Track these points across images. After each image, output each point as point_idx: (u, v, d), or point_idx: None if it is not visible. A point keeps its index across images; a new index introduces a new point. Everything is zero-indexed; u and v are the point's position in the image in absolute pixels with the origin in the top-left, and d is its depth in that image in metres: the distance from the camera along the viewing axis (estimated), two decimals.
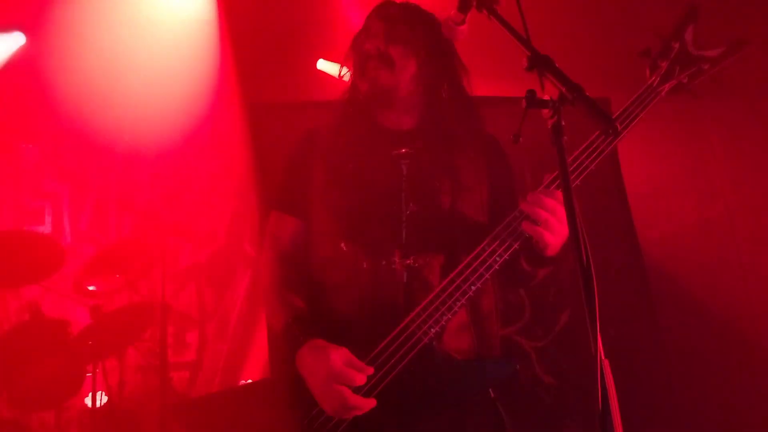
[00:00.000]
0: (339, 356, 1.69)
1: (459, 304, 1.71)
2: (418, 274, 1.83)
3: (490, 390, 1.87)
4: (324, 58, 4.77)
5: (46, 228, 4.74)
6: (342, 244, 1.89)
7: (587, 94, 1.27)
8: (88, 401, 3.91)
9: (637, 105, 1.77)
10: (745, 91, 3.68)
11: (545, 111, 1.33)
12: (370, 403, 1.69)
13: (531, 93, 1.34)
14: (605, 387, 1.13)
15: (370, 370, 1.71)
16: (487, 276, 1.72)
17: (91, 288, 4.09)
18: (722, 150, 3.93)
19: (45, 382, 3.65)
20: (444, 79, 2.01)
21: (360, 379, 1.68)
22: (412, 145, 1.96)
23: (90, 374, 3.78)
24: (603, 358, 1.16)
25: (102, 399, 3.87)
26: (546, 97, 1.33)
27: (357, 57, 2.05)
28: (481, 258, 1.72)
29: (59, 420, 3.80)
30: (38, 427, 3.83)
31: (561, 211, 1.61)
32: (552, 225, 1.64)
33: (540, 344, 3.91)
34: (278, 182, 2.11)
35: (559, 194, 1.64)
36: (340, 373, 1.67)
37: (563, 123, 1.31)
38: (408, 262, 1.83)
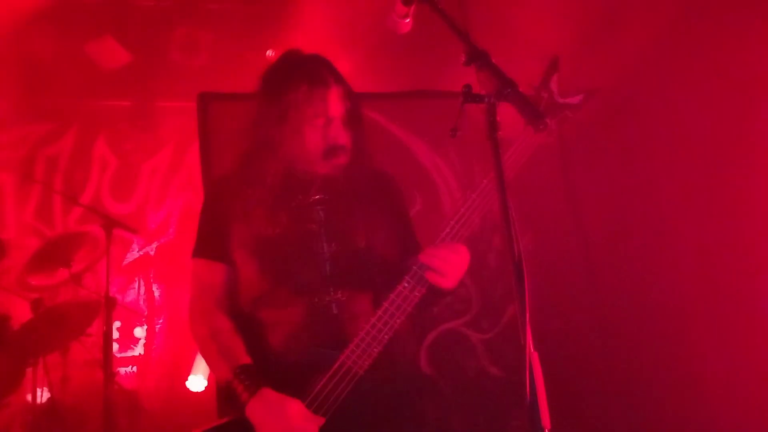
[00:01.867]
0: (296, 412, 1.79)
1: (387, 337, 1.84)
2: (347, 307, 1.94)
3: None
4: (273, 50, 4.70)
5: None
6: (271, 285, 1.97)
7: (520, 90, 1.28)
8: (30, 397, 3.82)
9: (517, 153, 1.90)
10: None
11: (482, 106, 1.35)
12: None
13: (467, 87, 1.35)
14: (533, 379, 1.15)
15: (322, 421, 1.81)
16: (409, 310, 1.86)
17: (33, 282, 3.98)
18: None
19: None
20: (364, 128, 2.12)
21: (313, 430, 1.78)
22: (326, 190, 2.05)
23: (30, 369, 3.68)
24: (532, 350, 1.18)
25: (44, 395, 3.77)
26: (482, 92, 1.34)
27: (303, 119, 2.02)
28: (403, 294, 1.86)
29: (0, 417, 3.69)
30: None
31: (452, 259, 1.86)
32: (446, 271, 1.86)
33: (487, 336, 3.97)
34: (200, 230, 2.12)
35: (450, 244, 1.87)
36: (298, 430, 1.77)
37: (498, 119, 1.32)
38: (337, 296, 1.94)
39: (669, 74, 3.89)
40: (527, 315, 1.22)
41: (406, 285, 1.86)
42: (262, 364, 1.90)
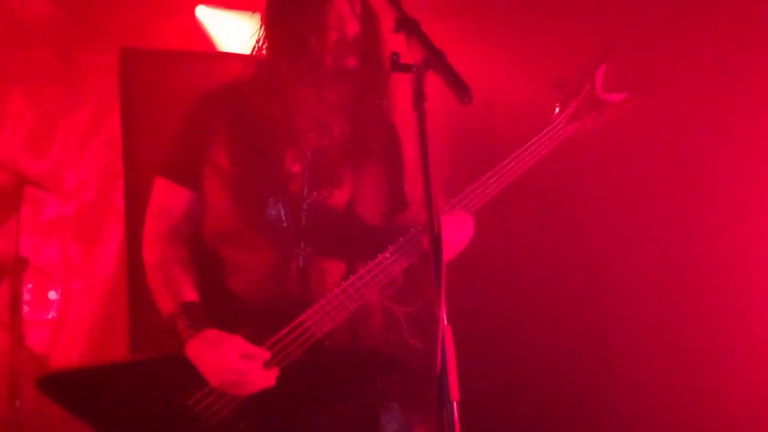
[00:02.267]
0: (234, 347, 1.72)
1: (355, 305, 1.78)
2: (315, 264, 1.85)
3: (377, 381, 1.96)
4: (204, 4, 4.51)
5: None
6: (240, 224, 1.85)
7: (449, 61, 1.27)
8: None
9: (543, 141, 1.83)
10: None
11: (410, 75, 1.32)
12: (269, 379, 1.74)
13: (395, 55, 1.33)
14: (444, 351, 1.16)
15: (267, 355, 1.75)
16: (385, 282, 1.80)
17: None
18: None
19: None
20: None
21: (256, 367, 1.73)
22: (322, 132, 1.92)
23: None
24: (445, 324, 1.18)
25: None
26: (410, 62, 1.32)
27: (317, 30, 1.84)
28: (383, 265, 1.78)
29: None
30: None
31: (459, 232, 1.77)
32: (450, 243, 1.75)
33: (410, 309, 4.02)
34: (170, 148, 1.96)
35: (460, 214, 1.78)
36: (237, 366, 1.71)
37: (425, 90, 1.30)
38: (307, 250, 1.85)
39: None
40: (442, 289, 1.22)
41: (389, 254, 1.77)
42: (215, 304, 1.82)
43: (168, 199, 1.93)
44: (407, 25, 1.35)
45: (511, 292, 4.06)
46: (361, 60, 1.85)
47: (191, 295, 1.82)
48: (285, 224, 1.84)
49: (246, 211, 1.85)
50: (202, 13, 4.49)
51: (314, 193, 1.87)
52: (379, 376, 1.93)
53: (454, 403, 1.16)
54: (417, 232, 1.79)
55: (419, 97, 1.30)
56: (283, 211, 1.85)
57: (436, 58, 1.28)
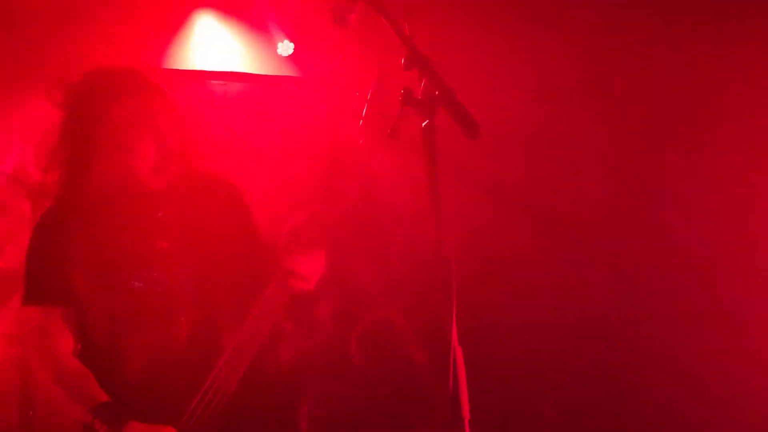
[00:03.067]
0: None
1: (254, 349, 1.86)
2: (215, 322, 1.94)
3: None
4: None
5: None
6: (123, 314, 1.92)
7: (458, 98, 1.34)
8: None
9: None
10: None
11: (420, 110, 1.40)
12: None
13: (407, 91, 1.41)
14: (456, 372, 1.23)
15: None
16: (273, 319, 1.89)
17: None
18: None
19: None
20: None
21: None
22: (168, 207, 2.03)
23: None
24: (456, 345, 1.26)
25: None
26: (420, 97, 1.40)
27: (137, 120, 1.98)
28: (266, 306, 1.88)
29: None
30: None
31: (312, 264, 1.93)
32: (309, 276, 1.93)
33: (417, 324, 4.07)
34: (28, 275, 1.98)
35: (308, 248, 1.92)
36: None
37: (435, 123, 1.38)
38: (192, 317, 1.93)
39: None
40: (454, 311, 1.29)
41: (269, 293, 1.88)
42: (124, 396, 1.85)
43: (43, 322, 1.93)
44: (418, 61, 1.42)
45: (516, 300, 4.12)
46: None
47: (101, 396, 1.82)
48: (162, 300, 1.93)
49: (124, 300, 1.92)
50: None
51: (181, 263, 1.97)
52: (294, 408, 2.03)
53: (466, 421, 1.23)
54: (284, 273, 1.90)
55: (430, 131, 1.37)
56: (157, 288, 1.94)
57: (445, 95, 1.35)
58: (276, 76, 4.52)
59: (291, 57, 4.60)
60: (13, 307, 3.93)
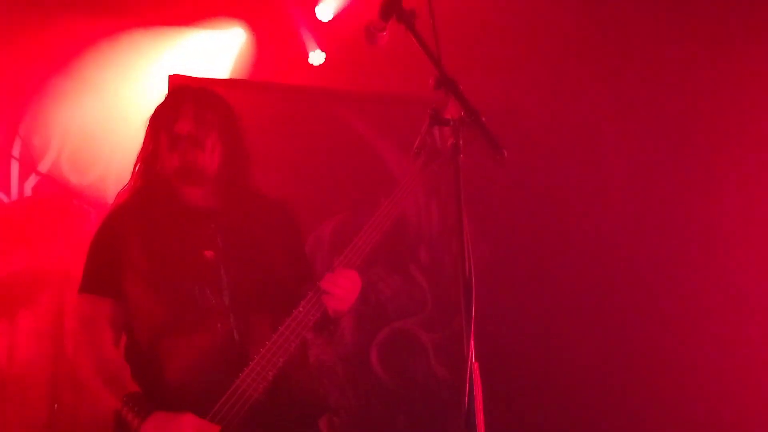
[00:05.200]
0: (189, 423, 1.83)
1: (282, 360, 1.93)
2: (247, 333, 2.02)
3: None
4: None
5: None
6: (169, 316, 2.02)
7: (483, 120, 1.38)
8: None
9: (405, 190, 2.12)
10: None
11: (446, 130, 1.44)
12: None
13: (435, 112, 1.45)
14: (472, 388, 1.25)
15: (217, 428, 1.85)
16: (303, 334, 1.96)
17: None
18: None
19: None
20: (243, 161, 2.25)
21: None
22: (220, 221, 2.15)
23: None
24: (473, 360, 1.28)
25: None
26: (448, 117, 1.44)
27: (166, 135, 2.15)
28: (298, 319, 1.96)
29: None
30: None
31: (347, 285, 2.00)
32: (342, 296, 1.99)
33: (437, 336, 4.08)
34: (87, 266, 2.15)
35: (345, 272, 2.01)
36: None
37: (461, 142, 1.41)
38: (238, 323, 2.02)
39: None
40: (472, 327, 1.32)
41: (302, 309, 1.96)
42: (157, 393, 1.94)
43: (92, 311, 2.08)
44: (446, 83, 1.46)
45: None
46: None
47: (132, 386, 1.95)
48: (210, 305, 2.03)
49: (172, 303, 2.03)
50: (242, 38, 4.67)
51: (230, 272, 2.08)
52: (317, 418, 2.12)
53: None
54: (316, 290, 1.98)
55: (456, 150, 1.41)
56: (205, 294, 2.04)
57: (472, 117, 1.39)
58: (307, 85, 4.59)
59: (322, 66, 4.67)
60: (43, 304, 4.04)
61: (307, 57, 4.61)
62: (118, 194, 2.24)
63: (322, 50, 4.59)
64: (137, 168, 2.22)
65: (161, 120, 2.19)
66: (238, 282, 2.07)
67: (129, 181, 2.22)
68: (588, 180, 4.18)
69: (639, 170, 4.08)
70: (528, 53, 4.16)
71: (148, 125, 2.22)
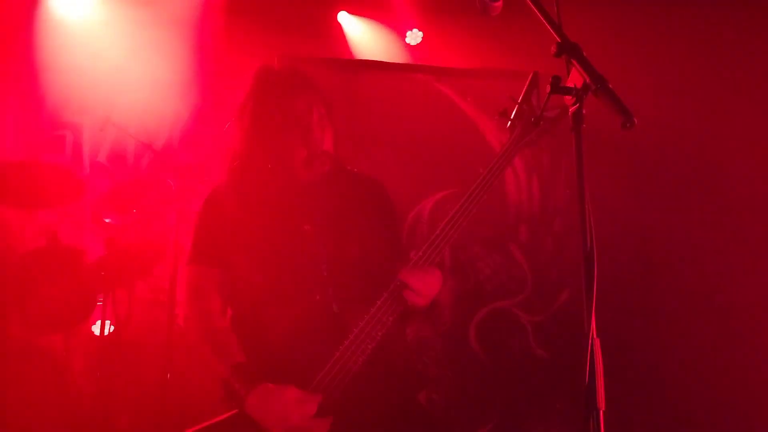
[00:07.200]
0: (292, 397, 1.89)
1: (380, 333, 1.95)
2: (347, 305, 2.04)
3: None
4: (347, 11, 4.74)
5: (65, 158, 4.81)
6: (271, 287, 2.09)
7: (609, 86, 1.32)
8: (96, 329, 4.05)
9: (503, 159, 2.08)
10: None
11: (567, 98, 1.39)
12: (325, 424, 1.90)
13: (556, 79, 1.40)
14: (593, 363, 1.22)
15: (319, 397, 1.91)
16: (388, 323, 1.96)
17: (107, 220, 4.18)
18: None
19: (56, 307, 3.78)
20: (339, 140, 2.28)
21: (312, 410, 1.89)
22: (319, 196, 2.20)
23: (100, 303, 3.91)
24: (595, 336, 1.24)
25: (109, 328, 4.00)
26: (570, 84, 1.38)
27: (281, 116, 2.17)
28: (382, 309, 1.97)
29: (67, 344, 3.94)
30: (47, 348, 3.97)
31: (428, 280, 1.99)
32: (422, 292, 1.98)
33: (537, 318, 4.01)
34: (193, 239, 2.23)
35: (425, 267, 2.00)
36: (296, 413, 1.87)
37: (584, 111, 1.36)
38: (337, 294, 2.05)
39: None
40: (593, 304, 1.28)
41: (384, 301, 1.97)
42: (261, 363, 2.01)
43: (201, 282, 2.17)
44: (568, 49, 1.41)
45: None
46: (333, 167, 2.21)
47: (238, 357, 2.01)
48: (310, 277, 2.07)
49: (274, 275, 2.09)
50: (345, 18, 4.73)
51: (328, 246, 2.11)
52: (416, 392, 2.13)
53: (601, 412, 1.22)
54: (399, 285, 1.97)
55: (578, 119, 1.36)
56: (305, 266, 2.08)
57: (597, 83, 1.33)
58: (406, 64, 4.58)
59: (419, 45, 4.65)
60: (157, 275, 4.26)
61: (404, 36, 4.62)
62: (224, 170, 2.31)
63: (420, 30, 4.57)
64: (242, 146, 2.26)
65: (272, 100, 2.22)
66: (336, 256, 2.11)
67: (233, 157, 2.28)
68: (706, 163, 3.96)
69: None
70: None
71: (253, 102, 2.25)
